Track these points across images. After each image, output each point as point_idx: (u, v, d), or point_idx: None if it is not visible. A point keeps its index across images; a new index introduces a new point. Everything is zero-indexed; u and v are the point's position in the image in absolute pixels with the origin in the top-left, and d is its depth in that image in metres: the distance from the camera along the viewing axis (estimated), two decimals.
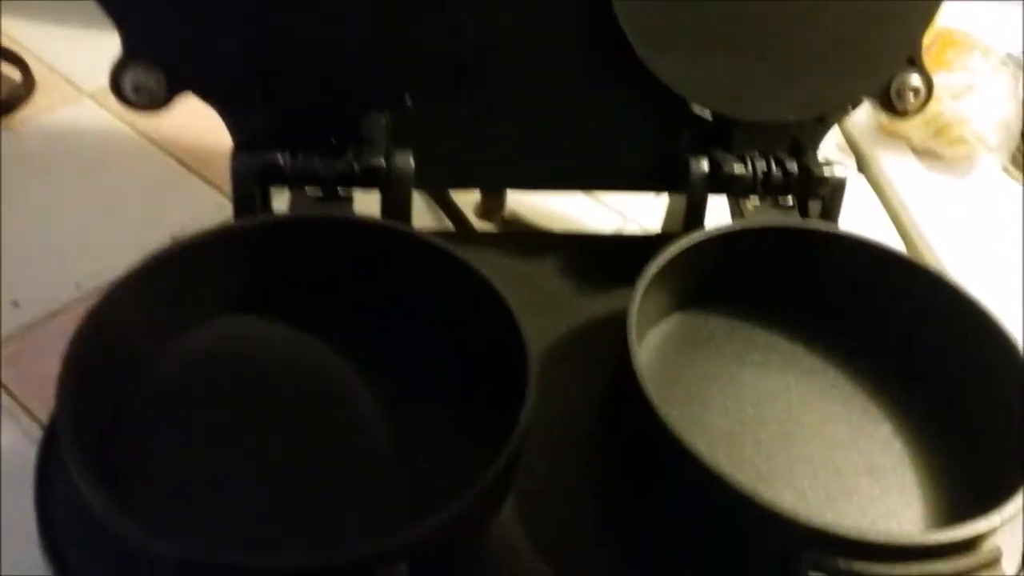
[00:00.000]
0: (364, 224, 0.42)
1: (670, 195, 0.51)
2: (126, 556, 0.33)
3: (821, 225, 0.46)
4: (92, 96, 0.68)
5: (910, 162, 0.70)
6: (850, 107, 0.48)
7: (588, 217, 0.63)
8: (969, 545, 0.34)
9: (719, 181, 0.46)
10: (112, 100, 0.66)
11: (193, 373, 0.40)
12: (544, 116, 0.48)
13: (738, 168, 0.46)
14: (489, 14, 0.44)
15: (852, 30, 0.46)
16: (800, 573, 0.33)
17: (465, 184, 0.55)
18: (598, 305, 0.46)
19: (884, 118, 0.70)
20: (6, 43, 0.69)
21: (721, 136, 0.47)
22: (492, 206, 0.60)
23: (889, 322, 0.44)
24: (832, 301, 0.45)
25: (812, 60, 0.46)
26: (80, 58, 0.70)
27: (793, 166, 0.46)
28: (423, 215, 0.61)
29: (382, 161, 0.43)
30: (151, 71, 0.42)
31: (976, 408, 0.41)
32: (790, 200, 0.48)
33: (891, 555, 0.33)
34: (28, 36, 0.71)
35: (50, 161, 0.63)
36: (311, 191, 0.44)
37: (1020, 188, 0.69)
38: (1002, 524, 0.34)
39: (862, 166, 0.70)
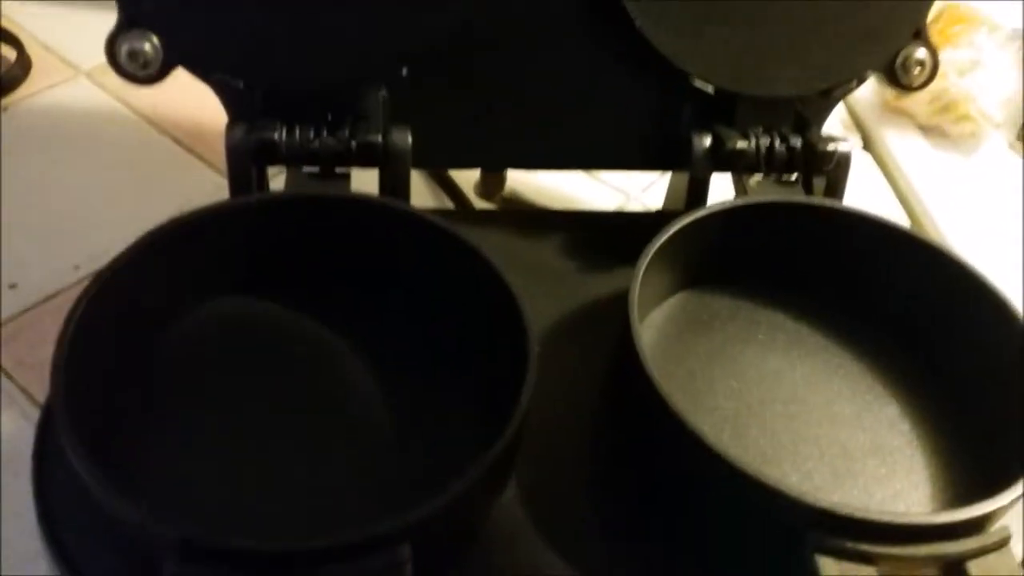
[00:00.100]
0: (361, 202, 0.41)
1: (672, 173, 0.50)
2: (125, 539, 0.33)
3: (825, 201, 0.45)
4: (88, 75, 0.67)
5: (915, 139, 0.69)
6: (855, 82, 0.47)
7: (590, 197, 0.63)
8: (978, 526, 0.33)
9: (722, 157, 0.45)
10: (109, 79, 0.67)
11: (191, 353, 0.40)
12: (544, 93, 0.47)
13: (741, 144, 0.45)
14: None
15: (856, 2, 0.45)
16: (806, 554, 0.32)
17: (464, 164, 0.55)
18: (600, 284, 0.45)
19: (889, 95, 0.70)
20: (1, 22, 0.68)
21: (724, 112, 0.46)
22: (492, 185, 0.60)
23: (895, 300, 0.44)
24: (837, 279, 0.45)
25: (816, 33, 0.46)
26: (76, 37, 0.70)
27: (797, 142, 0.45)
28: (423, 195, 0.60)
29: (379, 138, 0.42)
30: (147, 39, 0.42)
31: (984, 387, 0.41)
32: (794, 178, 0.47)
33: (898, 536, 0.32)
34: (24, 15, 0.71)
35: (47, 141, 0.62)
36: (308, 170, 0.43)
37: None
38: (1011, 504, 0.34)
39: (867, 144, 0.70)
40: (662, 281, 0.43)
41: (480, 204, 0.61)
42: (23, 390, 0.48)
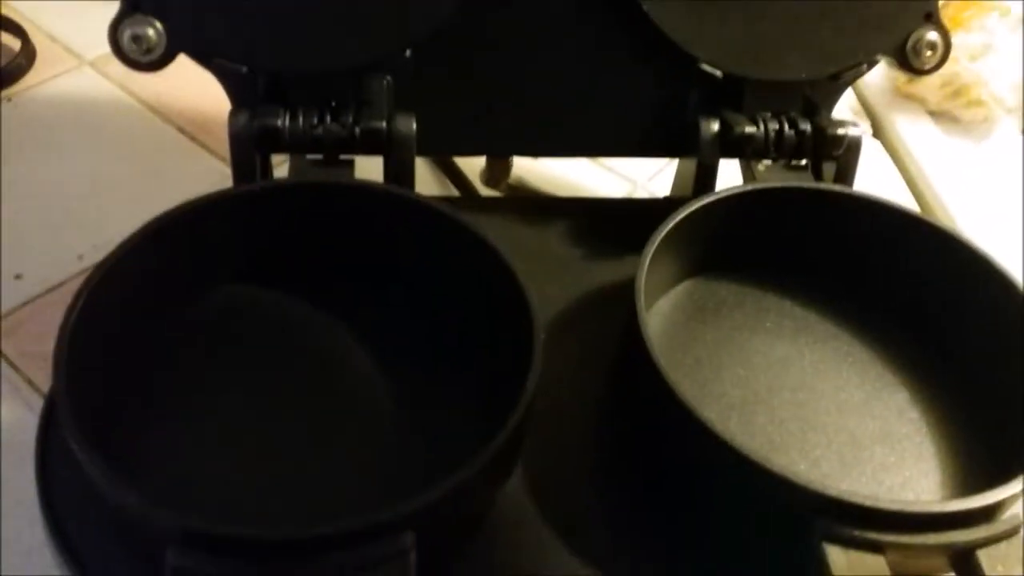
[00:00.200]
0: (365, 189, 0.41)
1: (680, 160, 0.50)
2: (127, 528, 0.33)
3: (835, 186, 0.45)
4: (92, 65, 0.67)
5: (926, 125, 0.68)
6: (865, 66, 0.47)
7: (597, 184, 0.63)
8: (988, 514, 0.33)
9: (730, 143, 0.45)
10: (113, 69, 0.67)
11: (193, 343, 0.39)
12: (551, 79, 0.47)
13: (750, 129, 0.44)
14: None
15: None
16: (814, 542, 0.32)
17: (470, 151, 0.54)
18: (606, 272, 0.45)
19: (899, 80, 0.69)
20: (5, 12, 0.68)
21: (732, 97, 0.46)
22: (498, 173, 0.60)
23: (905, 286, 0.43)
24: (846, 265, 0.44)
25: (825, 15, 0.45)
26: (80, 27, 0.70)
27: (807, 126, 0.45)
28: (428, 182, 0.60)
29: (383, 124, 0.42)
30: (150, 24, 0.41)
31: (994, 374, 0.40)
32: (803, 163, 0.47)
33: (907, 524, 0.32)
34: (27, 5, 0.70)
35: (51, 131, 0.62)
36: (311, 157, 0.43)
37: None
38: (1022, 493, 0.33)
39: (877, 130, 0.69)
40: (669, 268, 0.43)
41: (485, 192, 0.60)
42: (28, 381, 0.48)
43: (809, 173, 0.46)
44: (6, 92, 0.64)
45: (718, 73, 0.46)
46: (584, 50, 0.46)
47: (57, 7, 0.71)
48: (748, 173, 0.46)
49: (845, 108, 0.68)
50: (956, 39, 0.48)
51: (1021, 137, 0.69)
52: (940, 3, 0.47)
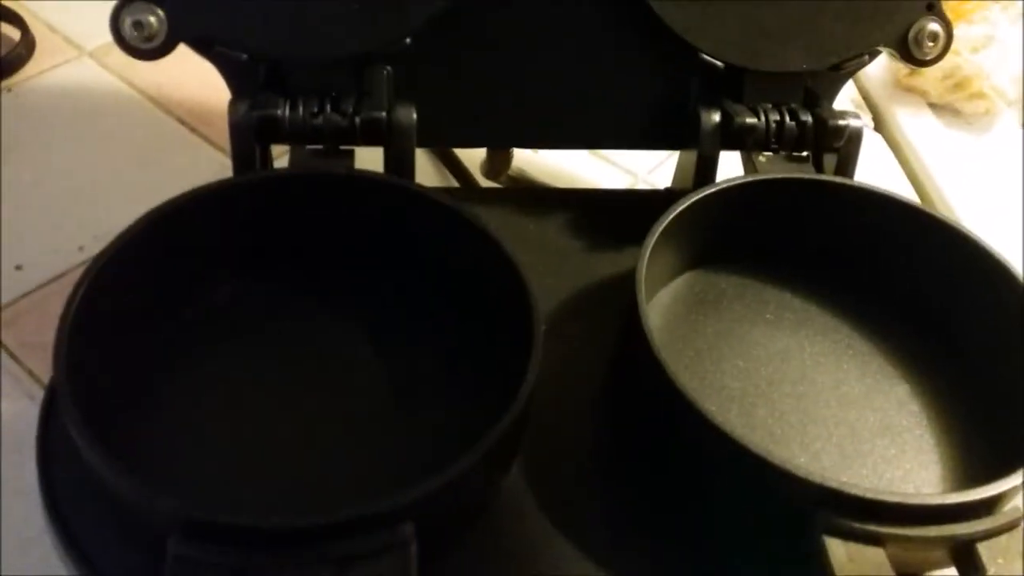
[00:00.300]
0: (365, 179, 0.41)
1: (681, 152, 0.50)
2: (128, 517, 0.33)
3: (836, 178, 0.45)
4: (92, 55, 0.67)
5: (927, 118, 0.68)
6: (867, 57, 0.47)
7: (597, 177, 0.62)
8: (988, 507, 0.33)
9: (731, 134, 0.44)
10: (113, 59, 0.67)
11: (193, 333, 0.39)
12: (551, 71, 0.46)
13: (751, 120, 0.44)
14: None
15: None
16: (815, 535, 0.32)
17: (470, 142, 0.54)
18: (607, 263, 0.45)
19: (901, 72, 0.69)
20: (5, 2, 0.68)
21: (733, 88, 0.45)
22: (498, 165, 0.59)
23: (906, 279, 0.43)
24: (847, 257, 0.44)
25: (826, 6, 0.45)
26: (80, 17, 0.69)
27: (808, 118, 0.45)
28: (428, 174, 0.60)
29: (383, 114, 0.42)
30: (151, 11, 0.41)
31: (995, 367, 0.40)
32: (804, 155, 0.47)
33: (907, 517, 0.32)
34: None
35: (50, 122, 0.62)
36: (312, 148, 0.43)
37: None
38: (1023, 485, 0.33)
39: (878, 123, 0.69)
40: (669, 260, 0.43)
41: (486, 184, 0.60)
42: (28, 371, 0.48)
43: (810, 165, 0.46)
44: (6, 83, 0.64)
45: (719, 64, 0.46)
46: (585, 42, 0.46)
47: None
48: (749, 165, 0.46)
49: (846, 100, 0.68)
50: (957, 31, 0.48)
51: (1022, 130, 0.69)
52: None
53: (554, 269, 0.44)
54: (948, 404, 0.41)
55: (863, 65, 0.47)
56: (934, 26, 0.46)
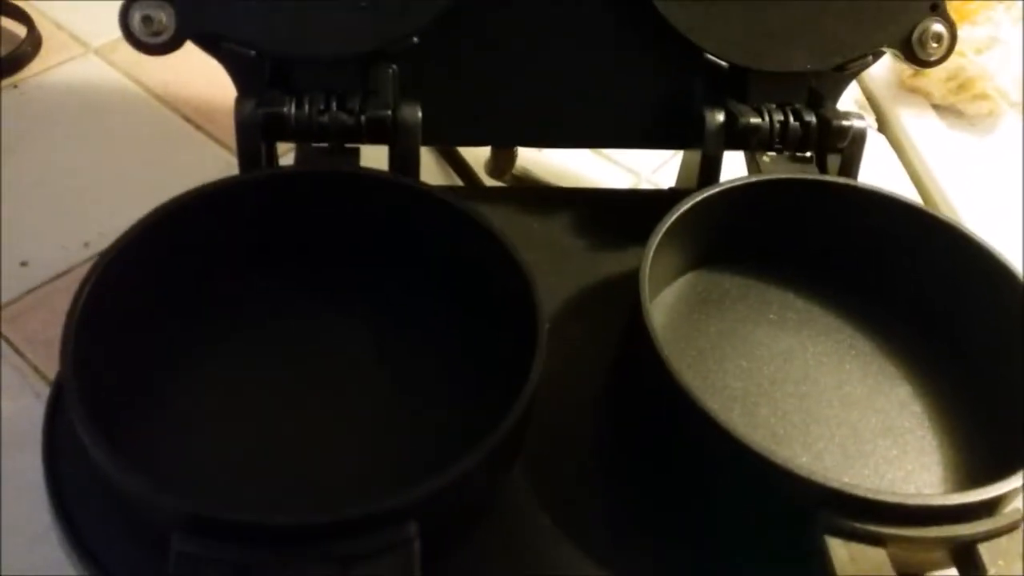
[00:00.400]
0: (370, 177, 0.41)
1: (685, 152, 0.50)
2: (133, 513, 0.33)
3: (839, 178, 0.45)
4: (98, 52, 0.67)
5: (931, 119, 0.68)
6: (871, 58, 0.47)
7: (601, 177, 0.63)
8: (989, 508, 0.33)
9: (735, 134, 0.45)
10: (119, 57, 0.67)
11: (198, 330, 0.39)
12: (555, 70, 0.47)
13: (755, 120, 0.44)
14: None
15: None
16: (816, 535, 0.32)
17: (474, 141, 0.54)
18: (611, 262, 0.45)
19: (905, 73, 0.69)
20: None
21: (737, 88, 0.46)
22: (502, 164, 0.60)
23: (909, 280, 0.43)
24: (850, 258, 0.44)
25: (831, 6, 0.45)
26: (86, 14, 0.70)
27: (811, 118, 0.45)
28: (433, 173, 0.60)
29: (389, 113, 0.42)
30: (160, 5, 0.41)
31: (997, 368, 0.40)
32: (808, 155, 0.47)
33: (908, 517, 0.32)
34: None
35: (56, 118, 0.62)
36: (317, 145, 0.43)
37: None
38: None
39: (882, 124, 0.69)
40: (673, 260, 0.43)
41: (490, 182, 0.60)
42: (33, 367, 0.49)
43: (814, 165, 0.46)
44: (12, 79, 0.64)
45: (723, 64, 0.46)
46: (590, 41, 0.46)
47: None
48: (753, 165, 0.46)
49: (850, 101, 0.68)
50: (961, 32, 0.48)
51: None
52: None
53: (558, 268, 0.44)
54: (950, 405, 0.41)
55: (867, 66, 0.47)
56: (938, 27, 0.46)
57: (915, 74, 0.68)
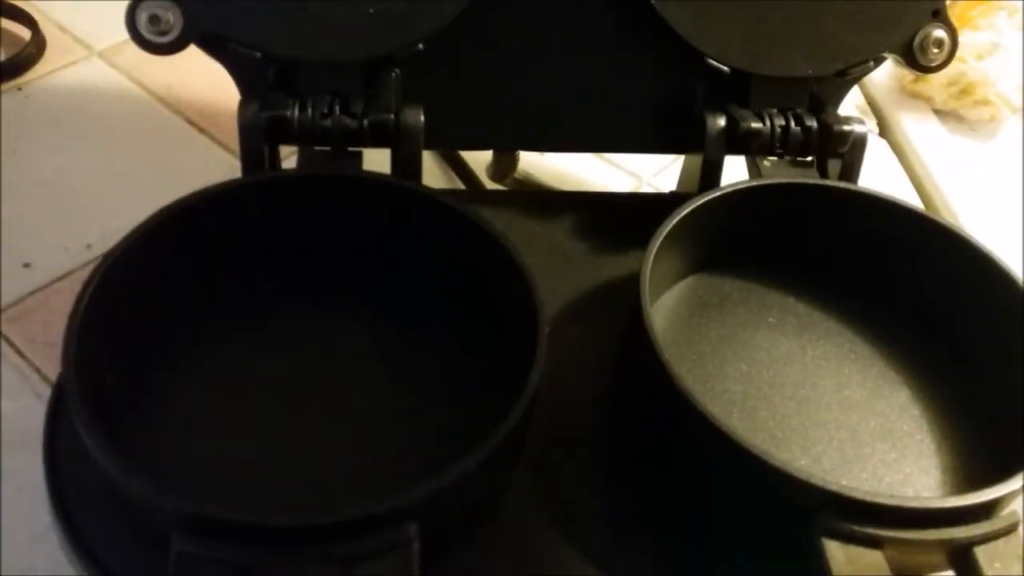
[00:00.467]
0: (372, 181, 0.41)
1: (686, 156, 0.50)
2: (134, 514, 0.33)
3: (840, 183, 0.45)
4: (102, 55, 0.68)
5: (932, 124, 0.68)
6: (872, 63, 0.47)
7: (603, 180, 0.63)
8: (986, 511, 0.33)
9: (736, 139, 0.45)
10: (123, 59, 0.67)
11: (200, 332, 0.40)
12: (556, 73, 0.47)
13: (756, 125, 0.44)
14: None
15: None
16: (814, 537, 0.32)
17: (476, 144, 0.54)
18: (612, 266, 0.45)
19: (906, 79, 0.69)
20: (16, 2, 0.69)
21: (739, 92, 0.46)
22: (504, 167, 0.60)
23: (909, 284, 0.43)
24: (851, 262, 0.44)
25: (832, 11, 0.45)
26: (90, 17, 0.70)
27: (812, 123, 0.45)
28: (435, 176, 0.60)
29: (391, 116, 0.42)
30: (167, 5, 0.42)
31: (996, 373, 0.41)
32: (809, 160, 0.47)
33: (905, 520, 0.32)
34: None
35: (60, 121, 0.62)
36: (320, 148, 0.43)
37: None
38: (1021, 489, 0.33)
39: (883, 129, 0.69)
40: (674, 264, 0.43)
41: (492, 186, 0.60)
42: (35, 369, 0.49)
43: (815, 170, 0.46)
44: (16, 82, 0.64)
45: (725, 69, 0.46)
46: (591, 45, 0.46)
47: None
48: (754, 169, 0.46)
49: (851, 106, 0.68)
50: (963, 38, 0.48)
51: None
52: (947, 1, 0.47)
53: (559, 271, 0.45)
54: (949, 409, 0.41)
55: (869, 71, 0.47)
56: (940, 33, 0.46)
57: (916, 79, 0.68)
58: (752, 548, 0.35)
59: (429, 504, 0.30)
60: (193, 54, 0.44)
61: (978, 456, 0.39)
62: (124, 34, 0.42)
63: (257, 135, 0.42)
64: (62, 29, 0.69)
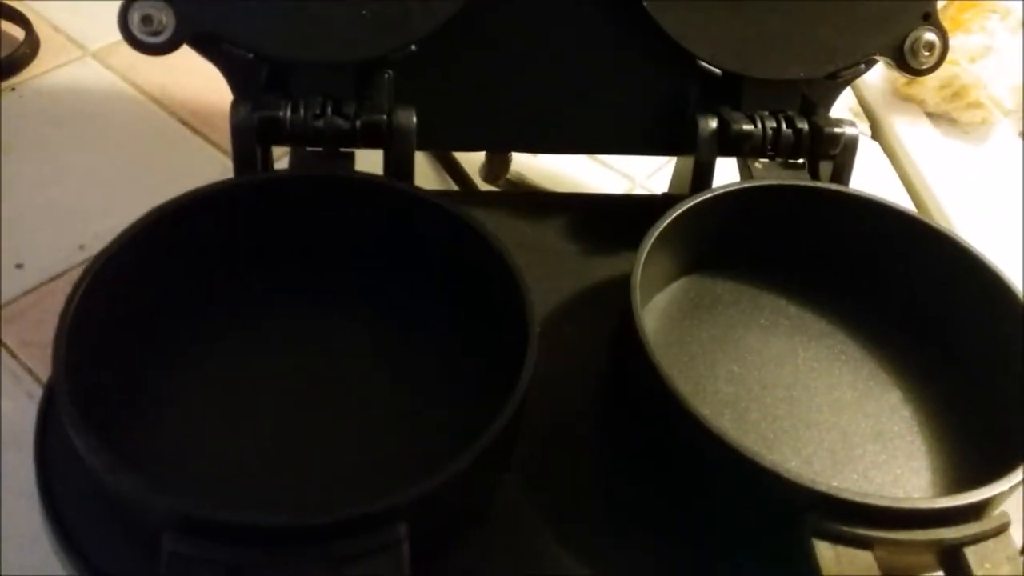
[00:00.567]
0: (364, 182, 0.41)
1: (678, 158, 0.50)
2: (125, 515, 0.33)
3: (831, 185, 0.45)
4: (96, 56, 0.68)
5: (925, 126, 0.69)
6: (863, 66, 0.47)
7: (596, 182, 0.63)
8: (977, 511, 0.33)
9: (728, 141, 0.45)
10: (116, 60, 0.67)
11: (192, 332, 0.40)
12: (549, 75, 0.47)
13: (747, 127, 0.45)
14: None
15: None
16: (804, 538, 0.32)
17: (469, 146, 0.54)
18: (604, 267, 0.45)
19: (899, 82, 0.69)
20: (9, 1, 0.69)
21: (730, 95, 0.46)
22: (497, 169, 0.60)
23: (900, 286, 0.44)
24: (842, 264, 0.44)
25: (823, 14, 0.45)
26: (84, 17, 0.70)
27: (804, 125, 0.45)
28: (427, 177, 0.60)
29: (384, 117, 0.42)
30: (160, 5, 0.42)
31: (986, 374, 0.41)
32: (800, 162, 0.47)
33: (895, 520, 0.32)
34: None
35: (53, 121, 0.62)
36: (312, 150, 0.43)
37: None
38: (1010, 490, 0.33)
39: (876, 131, 0.69)
40: (665, 265, 0.43)
41: (485, 187, 0.61)
42: (28, 370, 0.49)
43: (806, 172, 0.46)
44: (9, 82, 0.64)
45: (716, 71, 0.46)
46: (584, 47, 0.46)
47: None
48: (745, 171, 0.47)
49: (844, 109, 0.68)
50: (956, 41, 0.48)
51: (1019, 140, 0.69)
52: (940, 4, 0.47)
53: (552, 272, 0.45)
54: (940, 410, 0.41)
55: (860, 74, 0.47)
56: (930, 36, 0.46)
57: (909, 82, 0.69)
58: (747, 548, 0.35)
59: (419, 505, 0.30)
60: (187, 55, 0.44)
61: (968, 457, 0.39)
62: (118, 34, 0.42)
63: (249, 136, 0.42)
64: (56, 29, 0.69)
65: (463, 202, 0.41)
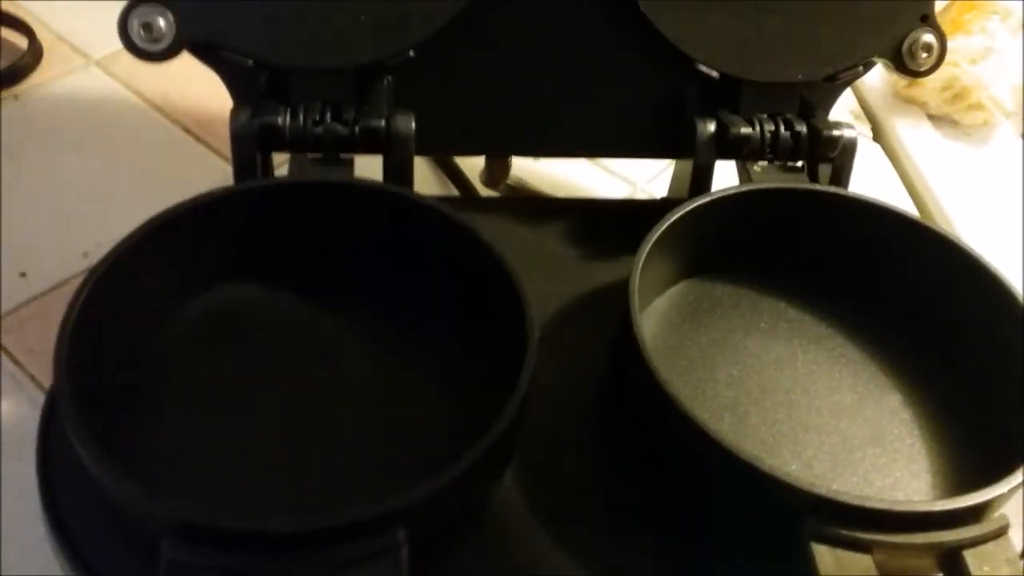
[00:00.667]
0: (363, 188, 0.41)
1: (677, 161, 0.50)
2: (126, 521, 0.33)
3: (830, 188, 0.45)
4: (99, 64, 0.68)
5: (926, 128, 0.69)
6: (861, 68, 0.47)
7: (596, 186, 0.63)
8: (976, 514, 0.33)
9: (726, 144, 0.45)
10: (120, 68, 0.67)
11: (194, 339, 0.40)
12: (548, 79, 0.47)
13: (746, 130, 0.45)
14: None
15: None
16: (803, 541, 0.32)
17: (468, 150, 0.54)
18: (603, 272, 0.45)
19: (900, 83, 0.69)
20: (13, 10, 0.69)
21: (729, 98, 0.46)
22: (497, 173, 0.60)
23: (900, 289, 0.44)
24: (841, 267, 0.44)
25: (822, 17, 0.45)
26: (87, 26, 0.70)
27: (802, 128, 0.45)
28: (427, 182, 0.60)
29: (382, 123, 0.42)
30: (160, 12, 0.42)
31: (986, 377, 0.41)
32: (799, 165, 0.47)
33: (894, 523, 0.32)
34: (35, 4, 0.71)
35: (56, 129, 0.63)
36: (312, 156, 0.43)
37: None
38: (1009, 493, 0.33)
39: (877, 134, 0.69)
40: (664, 269, 0.43)
41: (485, 192, 0.61)
42: (31, 377, 0.49)
43: (805, 175, 0.46)
44: (12, 90, 0.64)
45: (715, 74, 0.46)
46: (582, 51, 0.46)
47: (64, 6, 0.71)
48: (744, 174, 0.47)
49: (845, 111, 0.68)
50: (956, 42, 0.48)
51: (1020, 141, 0.69)
52: (940, 5, 0.47)
53: (551, 277, 0.45)
54: (940, 414, 0.41)
55: (858, 76, 0.47)
56: (928, 37, 0.46)
57: (910, 84, 0.69)
58: (746, 550, 0.35)
59: (417, 510, 0.30)
60: (188, 62, 0.44)
61: (968, 460, 0.39)
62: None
63: (249, 142, 0.42)
64: (59, 37, 0.69)
65: (463, 207, 0.41)
